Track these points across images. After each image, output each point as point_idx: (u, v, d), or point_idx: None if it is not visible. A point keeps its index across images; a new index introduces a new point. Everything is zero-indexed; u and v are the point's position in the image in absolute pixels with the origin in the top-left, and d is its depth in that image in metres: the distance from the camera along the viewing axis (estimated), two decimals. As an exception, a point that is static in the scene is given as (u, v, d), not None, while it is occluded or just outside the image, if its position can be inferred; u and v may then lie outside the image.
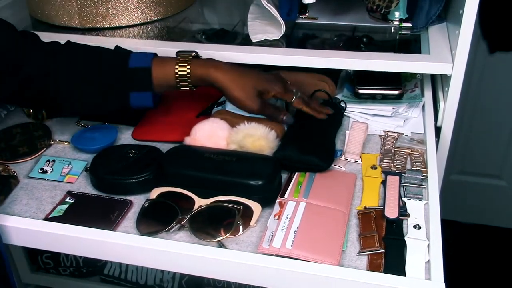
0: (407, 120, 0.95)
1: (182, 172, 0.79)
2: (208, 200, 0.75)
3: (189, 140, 0.85)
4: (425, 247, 0.68)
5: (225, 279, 0.70)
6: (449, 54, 0.92)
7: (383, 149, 0.88)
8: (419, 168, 0.82)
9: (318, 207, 0.75)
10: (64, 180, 0.84)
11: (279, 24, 1.02)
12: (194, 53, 0.86)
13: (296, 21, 1.12)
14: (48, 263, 1.45)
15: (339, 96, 1.00)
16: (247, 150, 0.83)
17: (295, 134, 0.87)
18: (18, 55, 0.78)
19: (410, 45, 1.01)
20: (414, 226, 0.71)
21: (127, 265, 1.39)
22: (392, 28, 1.07)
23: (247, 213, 0.74)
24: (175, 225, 0.73)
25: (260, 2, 0.99)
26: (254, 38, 1.03)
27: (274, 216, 0.73)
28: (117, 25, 1.09)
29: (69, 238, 0.71)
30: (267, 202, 0.76)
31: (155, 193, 0.78)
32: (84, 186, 0.83)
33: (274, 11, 1.00)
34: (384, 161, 0.85)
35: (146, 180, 0.80)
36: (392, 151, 0.87)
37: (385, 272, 0.65)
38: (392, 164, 0.84)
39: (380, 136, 0.92)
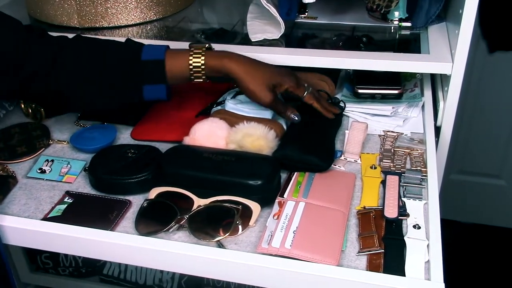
0: (406, 120, 0.94)
1: (181, 172, 0.78)
2: (207, 200, 0.75)
3: (188, 140, 0.85)
4: (424, 247, 0.67)
5: (224, 279, 0.70)
6: (448, 53, 0.92)
7: (382, 149, 0.88)
8: (418, 168, 0.82)
9: (318, 207, 0.75)
10: (63, 180, 0.84)
11: (279, 23, 1.02)
12: (207, 45, 0.86)
13: (296, 20, 1.12)
14: (47, 263, 1.45)
15: (338, 96, 1.00)
16: (246, 150, 0.82)
17: (295, 133, 0.87)
18: (21, 50, 0.78)
19: (410, 44, 1.01)
20: (414, 226, 0.71)
21: (126, 265, 1.39)
22: (392, 27, 1.07)
23: (246, 213, 0.73)
24: (174, 225, 0.72)
25: (260, 2, 0.99)
26: (254, 37, 1.03)
27: (273, 216, 0.73)
28: (116, 25, 1.09)
29: (68, 238, 0.71)
30: (266, 202, 0.76)
31: (154, 193, 0.78)
32: (83, 186, 0.83)
33: (273, 11, 1.00)
34: (384, 161, 0.85)
35: (145, 180, 0.80)
36: (392, 150, 0.87)
37: (384, 272, 0.65)
38: (391, 164, 0.84)
39: (379, 135, 0.91)
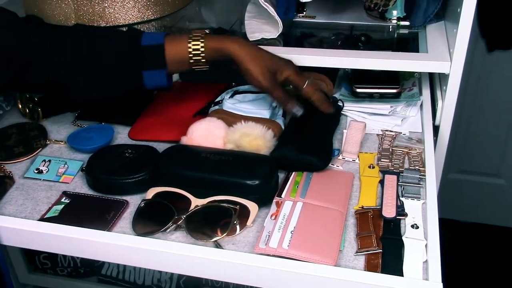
0: (405, 119, 0.94)
1: (178, 172, 0.78)
2: (205, 200, 0.75)
3: (185, 140, 0.85)
4: (422, 247, 0.67)
5: (222, 279, 0.70)
6: (447, 52, 0.92)
7: (380, 148, 0.87)
8: (417, 167, 0.82)
9: (315, 206, 0.74)
10: (60, 180, 0.84)
11: (277, 23, 1.01)
12: (207, 31, 0.85)
13: (294, 19, 1.11)
14: (45, 263, 1.45)
15: (336, 95, 1.00)
16: (244, 150, 0.82)
17: (292, 133, 0.87)
18: (20, 40, 0.77)
19: (408, 43, 1.01)
20: (412, 226, 0.71)
21: (124, 265, 1.39)
22: (390, 26, 1.07)
23: (244, 213, 0.73)
24: (171, 225, 0.72)
25: (258, 1, 0.99)
26: (252, 37, 1.03)
27: (271, 216, 0.73)
28: (114, 24, 1.08)
29: (65, 239, 0.70)
30: (264, 202, 0.76)
31: (151, 193, 0.78)
32: (80, 186, 0.83)
33: (271, 10, 0.99)
34: (382, 160, 0.84)
35: (142, 180, 0.80)
36: (390, 150, 0.87)
37: (382, 272, 0.64)
38: (389, 163, 0.83)
39: (377, 135, 0.91)
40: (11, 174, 0.85)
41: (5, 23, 0.77)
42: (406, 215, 0.73)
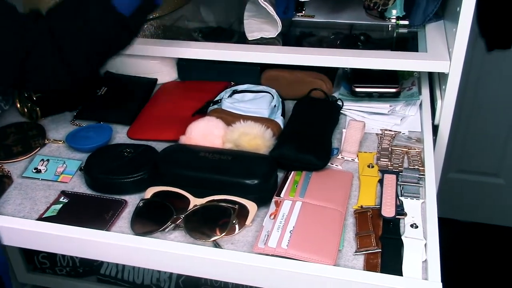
0: (404, 119, 0.94)
1: (177, 172, 0.78)
2: (204, 199, 0.74)
3: (184, 139, 0.85)
4: (422, 247, 0.67)
5: (221, 279, 0.70)
6: (446, 52, 0.92)
7: (380, 148, 0.87)
8: (416, 167, 0.82)
9: (314, 206, 0.74)
10: (58, 180, 0.84)
11: (276, 22, 1.01)
12: None
13: (293, 19, 1.11)
14: (44, 263, 1.44)
15: (336, 94, 1.00)
16: (243, 149, 0.82)
17: (291, 132, 0.87)
18: (19, 32, 0.77)
19: (407, 43, 1.01)
20: (411, 225, 0.71)
21: (123, 264, 1.38)
22: (389, 26, 1.07)
23: (243, 213, 0.73)
24: (170, 225, 0.72)
25: (257, 0, 0.99)
26: (251, 36, 1.03)
27: (270, 215, 0.73)
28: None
29: (63, 238, 0.70)
30: (263, 201, 0.76)
31: (149, 192, 0.77)
32: (79, 186, 0.83)
33: (270, 9, 0.99)
34: (381, 159, 0.84)
35: (141, 179, 0.80)
36: (389, 149, 0.86)
37: (381, 272, 0.64)
38: (389, 163, 0.83)
39: (377, 134, 0.91)
40: (10, 173, 0.85)
41: (6, 16, 0.77)
42: (405, 214, 0.73)
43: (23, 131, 0.94)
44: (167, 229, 0.72)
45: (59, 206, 0.78)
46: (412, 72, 1.01)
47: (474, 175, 1.78)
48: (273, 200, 0.76)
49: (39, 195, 0.81)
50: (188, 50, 1.00)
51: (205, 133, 0.84)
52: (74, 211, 0.77)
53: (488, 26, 1.26)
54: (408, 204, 0.75)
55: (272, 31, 1.03)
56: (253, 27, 1.04)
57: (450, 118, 0.93)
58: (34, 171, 0.85)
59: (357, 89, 0.96)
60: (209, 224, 0.72)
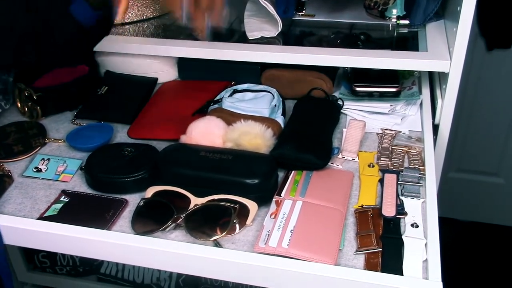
0: (404, 118, 0.94)
1: (177, 171, 0.78)
2: (204, 199, 0.74)
3: (185, 138, 0.85)
4: (422, 246, 0.67)
5: (221, 278, 0.70)
6: (446, 51, 0.92)
7: (380, 147, 0.87)
8: (416, 166, 0.82)
9: (315, 205, 0.74)
10: (59, 179, 0.84)
11: (276, 21, 1.01)
12: None
13: (293, 18, 1.11)
14: (44, 262, 1.45)
15: (336, 94, 1.00)
16: (243, 149, 0.82)
17: (292, 132, 0.87)
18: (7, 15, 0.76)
19: (408, 42, 1.01)
20: (412, 225, 0.71)
21: (123, 264, 1.39)
22: (390, 25, 1.07)
23: (243, 212, 0.73)
24: (170, 224, 0.72)
25: (257, 0, 0.99)
26: (251, 35, 1.03)
27: (271, 215, 0.73)
28: (113, 23, 1.08)
29: (64, 238, 0.70)
30: (263, 200, 0.76)
31: (150, 192, 0.77)
32: (79, 185, 0.83)
33: (270, 9, 0.99)
34: (382, 159, 0.84)
35: (141, 178, 0.80)
36: (390, 149, 0.86)
37: (382, 271, 0.64)
38: (389, 162, 0.83)
39: (377, 134, 0.91)
40: (10, 172, 0.85)
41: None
42: (405, 214, 0.73)
43: (23, 130, 0.94)
44: (167, 229, 0.72)
45: (59, 206, 0.78)
46: (413, 71, 1.01)
47: (474, 175, 1.79)
48: (273, 199, 0.76)
49: (40, 194, 0.81)
50: (188, 50, 1.00)
51: (205, 132, 0.84)
52: (74, 210, 0.77)
53: (488, 25, 1.26)
54: (409, 203, 0.75)
55: (272, 31, 1.03)
56: (254, 26, 1.04)
57: (451, 117, 0.93)
58: (35, 170, 0.85)
59: (358, 89, 0.96)
60: (209, 223, 0.72)
